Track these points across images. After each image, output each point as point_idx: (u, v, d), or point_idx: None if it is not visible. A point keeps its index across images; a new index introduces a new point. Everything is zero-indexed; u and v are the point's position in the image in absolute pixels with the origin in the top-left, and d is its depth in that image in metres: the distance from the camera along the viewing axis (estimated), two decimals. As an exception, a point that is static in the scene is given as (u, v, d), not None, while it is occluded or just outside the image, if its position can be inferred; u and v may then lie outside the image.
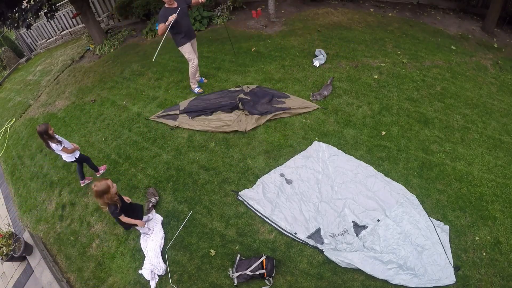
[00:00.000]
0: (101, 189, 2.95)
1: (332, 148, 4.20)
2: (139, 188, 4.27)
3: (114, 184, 3.07)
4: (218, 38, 7.13)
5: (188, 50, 4.90)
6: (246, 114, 4.75)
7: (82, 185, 4.58)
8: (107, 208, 3.11)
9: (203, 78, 5.69)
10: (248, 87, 5.28)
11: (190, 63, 5.09)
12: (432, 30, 6.88)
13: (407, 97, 4.94)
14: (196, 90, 5.47)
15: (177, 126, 4.92)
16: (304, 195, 3.76)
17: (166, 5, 4.53)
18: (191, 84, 5.46)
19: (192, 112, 5.03)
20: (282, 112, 4.71)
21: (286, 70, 5.70)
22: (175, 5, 4.55)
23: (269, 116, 4.68)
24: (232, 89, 4.97)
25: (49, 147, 3.94)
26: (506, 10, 7.12)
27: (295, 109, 4.75)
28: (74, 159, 4.19)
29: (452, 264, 3.05)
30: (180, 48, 4.92)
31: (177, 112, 5.11)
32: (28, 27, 7.35)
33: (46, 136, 3.87)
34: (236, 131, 4.62)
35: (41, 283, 3.63)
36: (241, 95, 5.06)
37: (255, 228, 3.57)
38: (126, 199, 3.41)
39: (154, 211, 3.90)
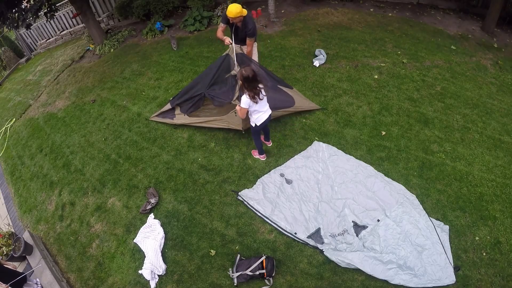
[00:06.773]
0: None
1: (332, 148, 4.20)
2: (139, 188, 4.27)
3: None
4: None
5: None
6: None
7: (255, 156, 4.21)
8: None
9: None
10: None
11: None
12: (432, 30, 6.87)
13: (407, 97, 4.95)
14: None
15: (175, 124, 4.83)
16: (304, 195, 3.76)
17: None
18: None
19: (184, 101, 4.69)
20: (284, 110, 4.44)
21: (286, 70, 5.70)
22: None
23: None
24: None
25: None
26: (506, 10, 7.11)
27: (297, 102, 4.52)
28: (254, 125, 3.59)
29: (452, 264, 3.05)
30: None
31: (169, 106, 4.95)
32: (28, 27, 7.35)
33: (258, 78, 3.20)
34: (236, 130, 4.56)
35: (41, 283, 3.63)
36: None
37: (255, 228, 3.57)
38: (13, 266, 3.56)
39: (152, 215, 3.87)
